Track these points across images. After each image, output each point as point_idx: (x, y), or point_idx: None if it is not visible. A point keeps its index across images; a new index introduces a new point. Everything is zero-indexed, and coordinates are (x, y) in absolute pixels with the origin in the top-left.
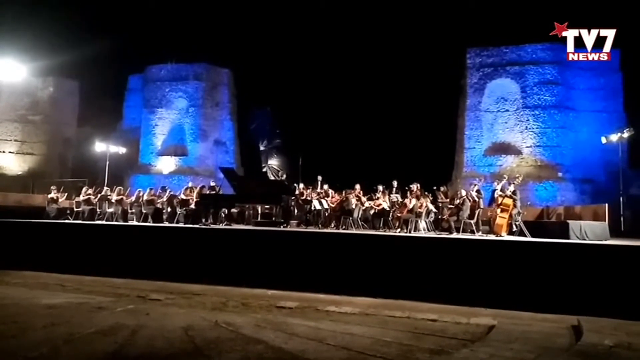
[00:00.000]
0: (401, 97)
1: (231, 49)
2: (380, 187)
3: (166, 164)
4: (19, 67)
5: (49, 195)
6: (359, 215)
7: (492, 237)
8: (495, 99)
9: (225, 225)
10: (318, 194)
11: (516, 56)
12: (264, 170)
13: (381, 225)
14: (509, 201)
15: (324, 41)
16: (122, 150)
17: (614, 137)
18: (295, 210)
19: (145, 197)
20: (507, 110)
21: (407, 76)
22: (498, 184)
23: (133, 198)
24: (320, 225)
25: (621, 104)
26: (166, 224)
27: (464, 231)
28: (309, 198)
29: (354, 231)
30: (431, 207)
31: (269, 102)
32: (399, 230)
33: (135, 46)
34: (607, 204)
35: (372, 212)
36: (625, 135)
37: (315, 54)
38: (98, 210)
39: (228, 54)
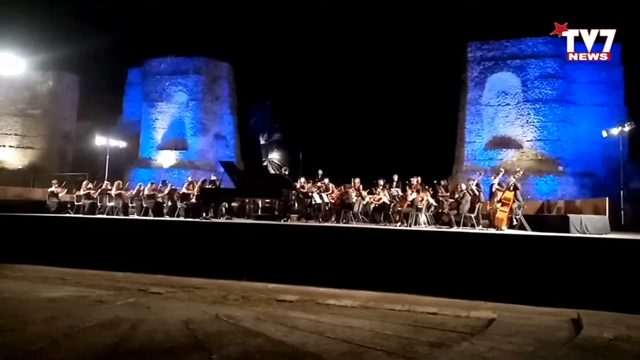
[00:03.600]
0: (402, 91)
1: (231, 43)
2: (381, 182)
3: (166, 158)
4: (18, 60)
5: (50, 189)
6: (359, 209)
7: (492, 230)
8: (496, 92)
9: (225, 219)
10: (318, 188)
11: (517, 50)
12: (265, 164)
13: (381, 219)
14: (509, 195)
15: (324, 35)
16: (122, 144)
17: (615, 131)
18: (296, 204)
19: (145, 191)
20: (508, 104)
21: (408, 70)
22: (495, 178)
23: (134, 192)
24: (320, 219)
25: (622, 98)
26: (167, 218)
27: (464, 225)
28: (309, 192)
29: (354, 225)
30: (431, 201)
31: (269, 96)
32: (399, 224)
33: (134, 40)
34: (607, 198)
35: (372, 206)
36: (626, 129)
37: (315, 48)
38: (99, 204)
39: (228, 47)
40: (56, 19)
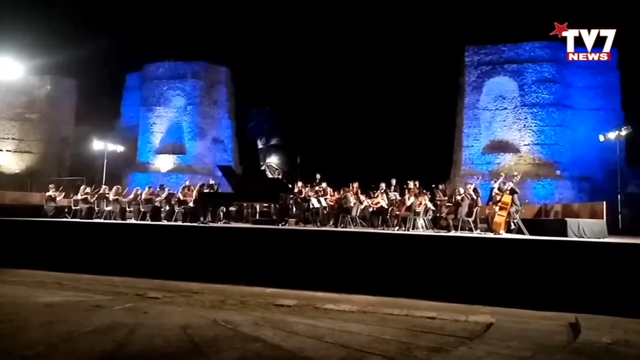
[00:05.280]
0: (400, 95)
1: (229, 47)
2: (382, 185)
3: (164, 162)
4: (16, 65)
5: (47, 194)
6: (357, 214)
7: (490, 235)
8: (493, 97)
9: (223, 223)
10: (316, 192)
11: (514, 54)
12: (263, 168)
13: (379, 223)
14: (507, 199)
15: (322, 39)
16: (120, 148)
17: (612, 135)
18: (294, 209)
19: (143, 196)
20: (505, 108)
21: (406, 74)
22: (496, 182)
23: (131, 196)
24: (318, 224)
25: (619, 102)
26: (164, 223)
27: (462, 229)
28: (307, 196)
29: (352, 229)
30: (429, 205)
31: (267, 100)
32: (397, 228)
33: (133, 44)
34: (604, 202)
35: (370, 210)
36: (623, 133)
37: (313, 52)
38: (96, 208)
39: (226, 52)
40: (54, 24)
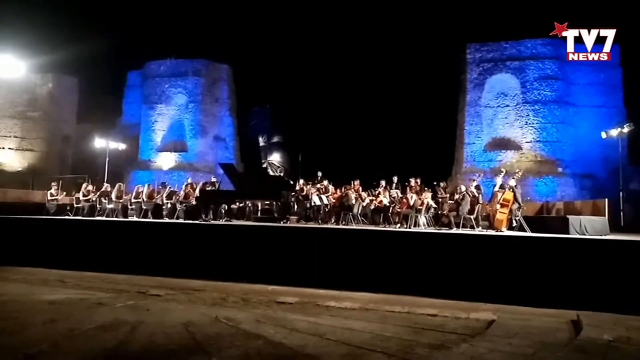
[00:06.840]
0: (401, 92)
1: (231, 45)
2: (383, 182)
3: (166, 160)
4: (17, 63)
5: (49, 192)
6: (359, 211)
7: (492, 232)
8: (495, 94)
9: (225, 221)
10: (318, 189)
11: (516, 51)
12: (264, 166)
13: (381, 220)
14: (509, 196)
15: (323, 36)
16: (121, 146)
17: (614, 133)
18: (295, 206)
19: (145, 193)
20: (507, 106)
21: (407, 72)
22: (498, 179)
23: (133, 194)
24: (320, 221)
25: (621, 99)
26: (166, 220)
27: (464, 226)
28: (308, 194)
29: (353, 227)
30: (431, 202)
31: (268, 98)
32: (398, 225)
33: (134, 42)
34: (606, 199)
35: (372, 207)
36: (625, 130)
37: (315, 49)
38: (98, 206)
39: (227, 49)
40: (56, 22)
